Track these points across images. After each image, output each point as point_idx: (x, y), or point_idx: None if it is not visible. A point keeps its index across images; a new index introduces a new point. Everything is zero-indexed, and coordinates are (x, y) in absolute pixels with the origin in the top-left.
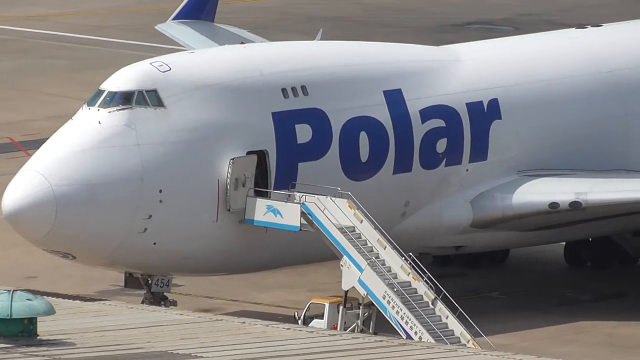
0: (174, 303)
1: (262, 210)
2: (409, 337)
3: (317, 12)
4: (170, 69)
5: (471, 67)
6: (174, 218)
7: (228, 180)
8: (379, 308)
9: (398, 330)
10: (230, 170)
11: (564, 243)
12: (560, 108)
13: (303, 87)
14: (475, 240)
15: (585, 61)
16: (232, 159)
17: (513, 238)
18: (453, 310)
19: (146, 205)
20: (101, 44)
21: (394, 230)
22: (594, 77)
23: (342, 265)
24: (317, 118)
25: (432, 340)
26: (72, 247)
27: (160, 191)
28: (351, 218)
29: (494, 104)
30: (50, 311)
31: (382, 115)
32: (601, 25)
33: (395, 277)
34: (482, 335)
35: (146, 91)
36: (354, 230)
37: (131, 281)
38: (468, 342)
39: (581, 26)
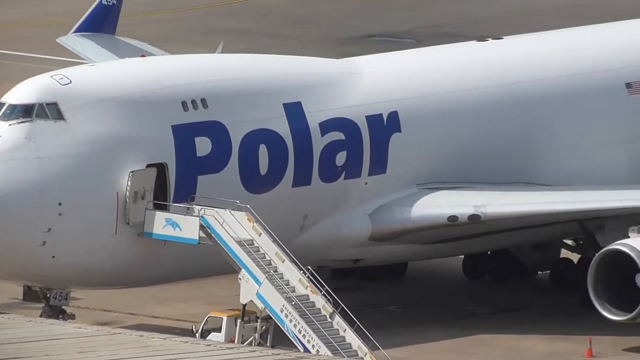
0: (72, 316)
1: (161, 223)
2: (306, 350)
3: (218, 25)
4: (70, 82)
5: (372, 80)
6: (73, 231)
7: (127, 193)
8: (276, 321)
9: (296, 343)
10: (129, 183)
11: (462, 256)
12: (461, 121)
13: (203, 100)
14: (374, 254)
15: (486, 74)
16: (132, 171)
17: (412, 251)
18: (351, 323)
19: (45, 218)
20: (2, 57)
21: (293, 244)
22: (494, 90)
23: (240, 279)
24: (216, 131)
25: (330, 354)
26: None
27: (60, 204)
28: (250, 231)
29: (393, 116)
30: None
31: (282, 128)
32: (502, 38)
33: (294, 291)
34: (379, 349)
35: (46, 104)
36: (252, 244)
37: (29, 294)
38: (365, 355)
39: (482, 39)
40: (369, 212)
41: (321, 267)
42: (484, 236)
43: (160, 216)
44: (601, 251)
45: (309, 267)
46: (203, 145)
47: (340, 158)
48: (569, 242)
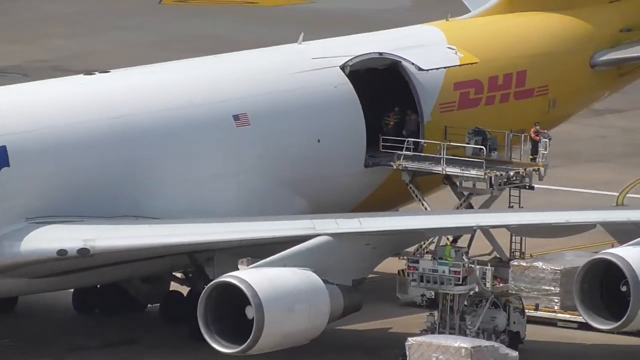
0: None
1: None
2: None
3: None
4: None
5: None
6: None
7: None
8: None
9: None
10: None
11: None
12: (70, 155)
13: None
14: None
15: (93, 107)
16: None
17: (22, 285)
18: None
19: None
20: None
21: None
22: (102, 124)
23: None
24: None
25: None
26: None
27: None
28: None
29: (2, 151)
30: None
31: None
32: (109, 72)
33: None
34: None
35: None
36: None
37: None
38: None
39: (89, 72)
40: None
41: None
42: (93, 270)
43: None
44: (210, 284)
45: None
46: None
47: None
48: (179, 275)
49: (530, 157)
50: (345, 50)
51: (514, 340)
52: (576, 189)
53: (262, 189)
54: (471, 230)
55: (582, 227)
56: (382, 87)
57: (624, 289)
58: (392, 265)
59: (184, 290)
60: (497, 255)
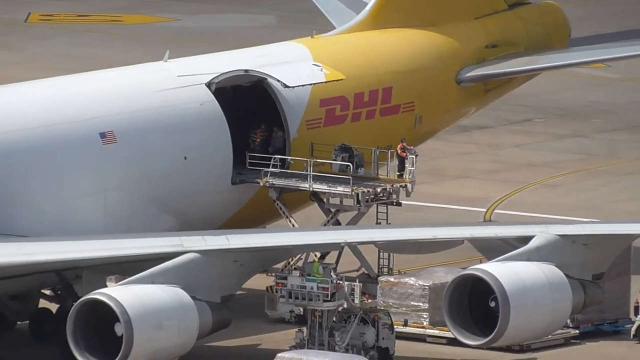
0: None
1: None
2: None
3: None
4: None
5: None
6: None
7: None
8: None
9: None
10: None
11: None
12: None
13: None
14: None
15: None
16: None
17: None
18: None
19: None
20: None
21: None
22: None
23: None
24: None
25: None
26: None
27: None
28: None
29: None
30: None
31: None
32: None
33: None
34: None
35: None
36: None
37: None
38: None
39: None
40: None
41: None
42: None
43: None
44: (79, 301)
45: None
46: None
47: None
48: (48, 292)
49: (397, 173)
50: (211, 68)
51: (384, 356)
52: (443, 205)
53: (130, 206)
54: (339, 246)
55: (450, 243)
56: (249, 104)
57: (492, 304)
58: (260, 281)
59: (54, 307)
60: (366, 272)
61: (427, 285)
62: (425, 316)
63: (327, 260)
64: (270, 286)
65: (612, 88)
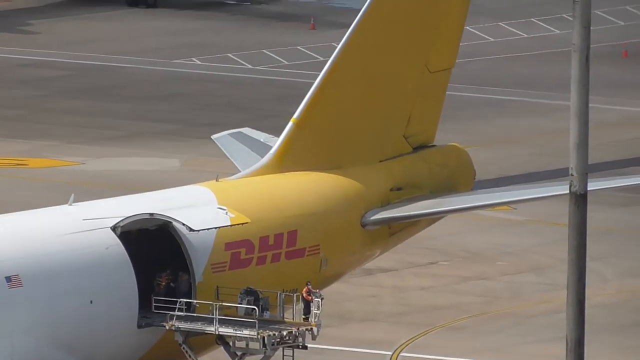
0: None
1: None
2: None
3: None
4: None
5: None
6: None
7: None
8: None
9: None
10: None
11: None
12: None
13: None
14: None
15: None
16: None
17: None
18: None
19: None
20: None
21: None
22: None
23: None
24: None
25: None
26: None
27: None
28: None
29: None
30: None
31: None
32: None
33: None
34: None
35: None
36: None
37: None
38: None
39: None
40: None
41: None
42: None
43: None
44: None
45: None
46: None
47: None
48: None
49: (303, 316)
50: (116, 211)
51: None
52: (350, 348)
53: (37, 350)
54: None
55: None
56: (154, 248)
57: None
58: None
59: None
60: None
61: None
62: None
63: None
64: None
65: (516, 230)
